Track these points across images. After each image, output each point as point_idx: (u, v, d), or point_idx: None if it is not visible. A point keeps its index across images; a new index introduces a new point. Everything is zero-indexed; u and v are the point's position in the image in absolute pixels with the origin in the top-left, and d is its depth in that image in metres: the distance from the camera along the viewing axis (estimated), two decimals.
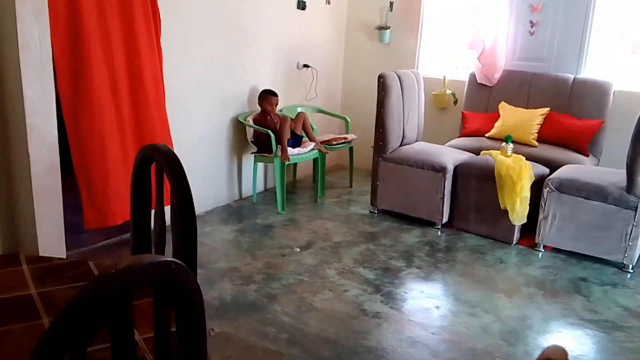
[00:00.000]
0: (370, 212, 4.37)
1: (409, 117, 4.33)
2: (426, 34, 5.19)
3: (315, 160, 4.58)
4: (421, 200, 4.07)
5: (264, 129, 4.18)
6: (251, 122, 4.27)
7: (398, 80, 4.18)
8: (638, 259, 3.44)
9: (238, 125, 4.34)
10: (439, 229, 4.04)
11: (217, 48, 4.07)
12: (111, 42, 3.06)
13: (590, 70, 4.47)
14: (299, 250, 3.59)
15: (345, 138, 4.86)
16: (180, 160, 1.24)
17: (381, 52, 5.37)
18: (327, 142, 4.72)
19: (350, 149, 4.93)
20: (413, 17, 5.18)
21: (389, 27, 5.24)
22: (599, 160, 4.28)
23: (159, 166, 1.30)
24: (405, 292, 3.11)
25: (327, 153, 4.56)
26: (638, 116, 3.29)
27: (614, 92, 4.23)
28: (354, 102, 5.61)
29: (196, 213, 1.27)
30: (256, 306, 2.85)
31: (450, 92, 5.02)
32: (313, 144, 4.44)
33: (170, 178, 1.20)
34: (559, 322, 2.83)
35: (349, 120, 5.05)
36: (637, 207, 3.30)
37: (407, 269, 3.38)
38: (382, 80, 4.08)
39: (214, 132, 4.19)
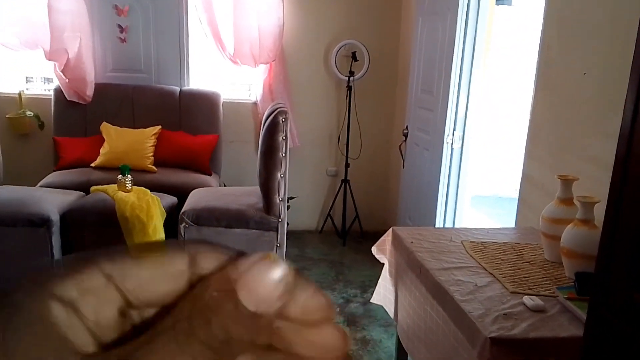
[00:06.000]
0: None
1: None
2: None
3: None
4: (19, 272, 2.91)
5: None
6: None
7: None
8: None
9: None
10: None
11: None
12: None
13: (196, 80, 4.13)
14: None
15: None
16: None
17: None
18: None
19: None
20: None
21: None
22: (220, 177, 4.03)
23: None
24: None
25: None
26: (262, 133, 3.08)
27: (223, 103, 4.01)
28: None
29: None
30: None
31: (31, 113, 3.86)
32: None
33: None
34: None
35: None
36: (277, 228, 3.13)
37: None
38: None
39: None
